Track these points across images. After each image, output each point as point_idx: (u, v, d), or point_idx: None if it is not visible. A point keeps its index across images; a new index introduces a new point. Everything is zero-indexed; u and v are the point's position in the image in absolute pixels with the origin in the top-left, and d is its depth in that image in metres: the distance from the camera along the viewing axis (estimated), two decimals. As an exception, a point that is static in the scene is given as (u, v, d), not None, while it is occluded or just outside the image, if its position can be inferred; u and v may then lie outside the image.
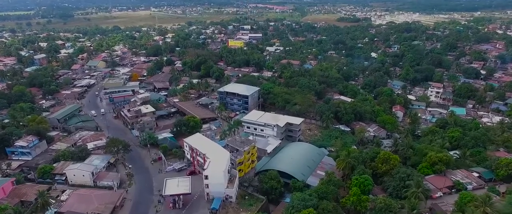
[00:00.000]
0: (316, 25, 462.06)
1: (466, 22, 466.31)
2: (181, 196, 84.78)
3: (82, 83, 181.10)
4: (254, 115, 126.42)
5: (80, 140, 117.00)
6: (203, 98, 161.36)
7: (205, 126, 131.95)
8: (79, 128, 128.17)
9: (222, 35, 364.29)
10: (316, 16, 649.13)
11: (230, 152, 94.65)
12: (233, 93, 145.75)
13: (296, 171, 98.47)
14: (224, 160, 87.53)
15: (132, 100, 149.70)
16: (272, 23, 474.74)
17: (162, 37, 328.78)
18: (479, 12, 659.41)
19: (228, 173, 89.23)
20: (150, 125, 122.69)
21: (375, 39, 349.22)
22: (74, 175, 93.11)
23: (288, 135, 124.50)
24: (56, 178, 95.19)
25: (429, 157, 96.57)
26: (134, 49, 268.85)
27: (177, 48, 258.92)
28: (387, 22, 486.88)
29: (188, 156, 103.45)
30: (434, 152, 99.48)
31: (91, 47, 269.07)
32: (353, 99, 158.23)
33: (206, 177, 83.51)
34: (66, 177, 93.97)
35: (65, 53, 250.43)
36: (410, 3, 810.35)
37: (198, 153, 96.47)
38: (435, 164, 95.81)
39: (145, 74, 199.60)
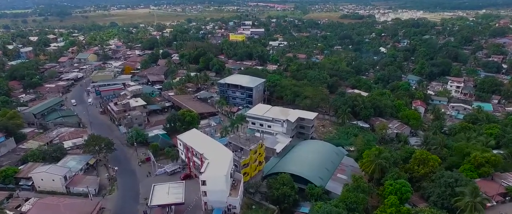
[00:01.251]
0: (319, 22, 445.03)
1: (473, 19, 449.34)
2: (172, 207, 67.20)
3: (69, 76, 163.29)
4: (260, 109, 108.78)
5: (57, 138, 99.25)
6: (201, 92, 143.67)
7: (203, 122, 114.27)
8: (59, 124, 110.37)
9: (223, 30, 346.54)
10: (318, 14, 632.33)
11: (233, 152, 77.04)
12: (236, 86, 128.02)
13: (313, 174, 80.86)
14: (225, 161, 69.91)
15: (121, 93, 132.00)
16: (274, 20, 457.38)
17: (160, 33, 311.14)
18: (484, 10, 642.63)
19: (231, 177, 71.56)
20: (140, 120, 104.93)
21: (383, 34, 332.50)
22: (42, 180, 75.32)
23: (299, 131, 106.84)
24: (21, 183, 77.46)
25: (474, 157, 78.74)
26: (129, 43, 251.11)
27: (174, 42, 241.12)
28: (392, 19, 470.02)
29: (183, 156, 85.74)
30: (479, 151, 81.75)
31: (84, 41, 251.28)
32: (368, 94, 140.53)
33: (204, 183, 65.85)
34: (33, 182, 76.29)
35: (55, 46, 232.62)
36: (412, 2, 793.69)
37: (194, 153, 78.74)
38: (481, 166, 78.10)
39: (139, 67, 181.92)
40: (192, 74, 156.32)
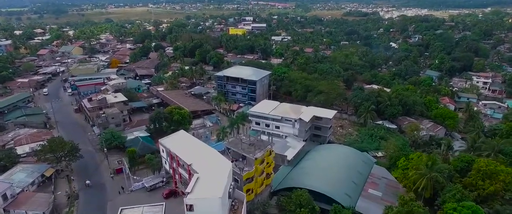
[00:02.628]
0: (322, 18, 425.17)
1: (482, 16, 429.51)
2: (145, 242, 46.60)
3: (47, 70, 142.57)
4: (266, 106, 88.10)
5: (11, 141, 78.62)
6: (196, 87, 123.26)
7: (196, 122, 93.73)
8: (20, 124, 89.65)
9: (222, 26, 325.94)
10: (320, 12, 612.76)
11: (232, 162, 56.47)
12: (236, 79, 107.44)
13: (338, 190, 60.45)
14: (222, 176, 49.32)
15: (102, 88, 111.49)
16: (275, 17, 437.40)
17: (156, 28, 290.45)
18: (489, 8, 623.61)
19: (229, 197, 50.98)
20: (117, 119, 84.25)
21: (391, 30, 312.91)
22: (-30, 200, 54.81)
23: (314, 134, 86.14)
24: None
25: None
26: (121, 37, 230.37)
27: (169, 35, 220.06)
28: (398, 16, 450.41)
29: (167, 166, 65.18)
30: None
31: (71, 35, 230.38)
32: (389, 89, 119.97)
33: (190, 208, 45.24)
34: (-40, 203, 55.67)
35: (38, 39, 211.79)
36: (416, 0, 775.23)
37: (180, 163, 58.19)
38: None
39: (128, 61, 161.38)
40: (186, 67, 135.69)
